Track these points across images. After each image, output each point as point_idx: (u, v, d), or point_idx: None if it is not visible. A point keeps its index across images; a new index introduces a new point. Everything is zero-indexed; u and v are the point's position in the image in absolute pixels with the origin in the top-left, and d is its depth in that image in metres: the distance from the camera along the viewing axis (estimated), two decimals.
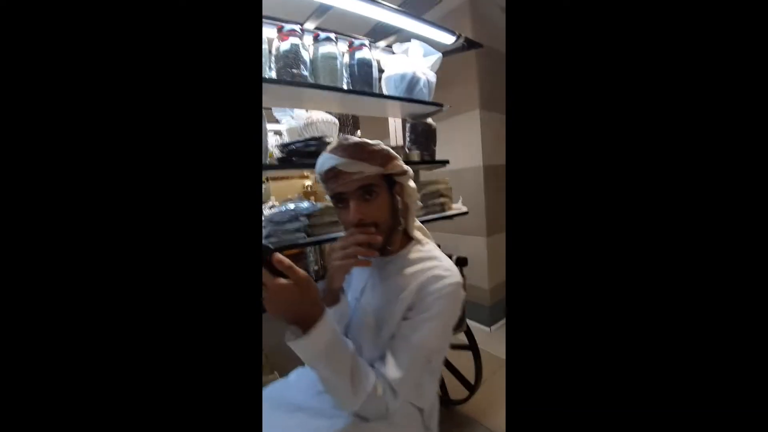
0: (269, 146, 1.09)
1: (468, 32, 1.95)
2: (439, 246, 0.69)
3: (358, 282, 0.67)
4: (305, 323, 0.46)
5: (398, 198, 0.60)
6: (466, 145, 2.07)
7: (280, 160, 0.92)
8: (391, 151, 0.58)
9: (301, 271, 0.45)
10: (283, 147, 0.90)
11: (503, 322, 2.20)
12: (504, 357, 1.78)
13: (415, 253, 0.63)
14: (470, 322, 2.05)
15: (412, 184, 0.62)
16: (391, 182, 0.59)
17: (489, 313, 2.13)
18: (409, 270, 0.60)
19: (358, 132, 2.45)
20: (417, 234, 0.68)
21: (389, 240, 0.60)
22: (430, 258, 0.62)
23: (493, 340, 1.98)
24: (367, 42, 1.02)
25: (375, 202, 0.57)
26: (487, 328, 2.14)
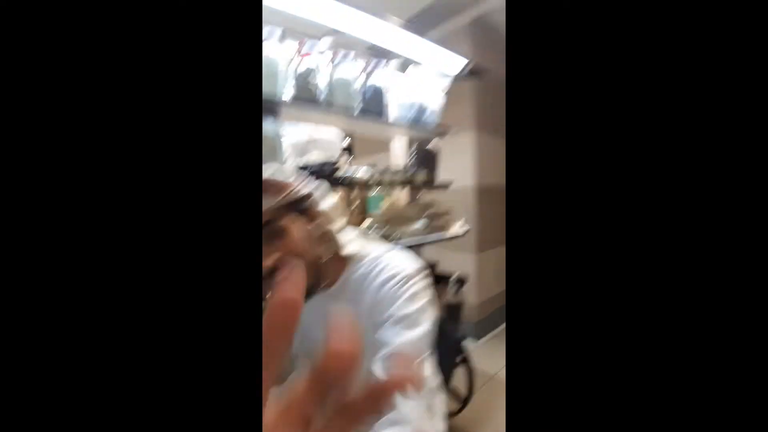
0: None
1: (467, 53, 2.03)
2: (431, 265, 0.70)
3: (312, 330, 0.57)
4: None
5: (314, 225, 0.55)
6: (460, 165, 2.12)
7: None
8: (279, 180, 0.54)
9: None
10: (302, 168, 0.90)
11: (490, 336, 2.25)
12: (491, 371, 1.83)
13: (356, 271, 0.59)
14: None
15: (325, 204, 0.58)
16: (303, 210, 0.54)
17: (476, 329, 2.18)
18: (356, 289, 0.57)
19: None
20: (355, 248, 0.61)
21: (320, 274, 0.56)
22: (376, 264, 0.58)
23: (480, 354, 2.03)
24: (380, 64, 1.04)
25: (285, 241, 0.52)
26: (473, 342, 2.18)
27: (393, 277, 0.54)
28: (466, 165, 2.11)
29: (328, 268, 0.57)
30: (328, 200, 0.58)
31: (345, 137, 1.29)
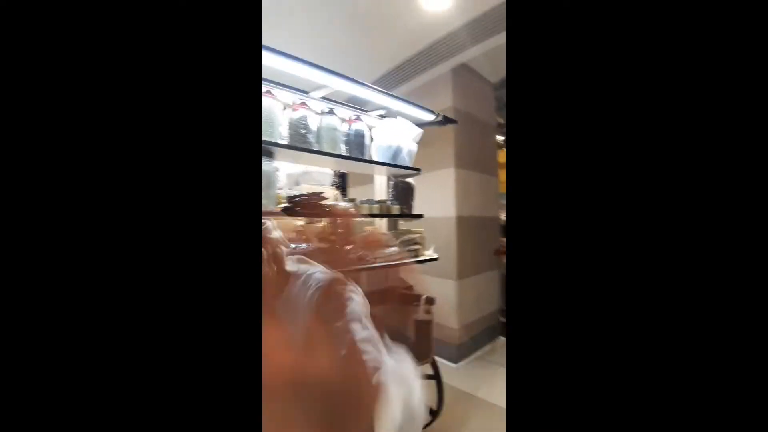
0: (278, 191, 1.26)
1: (449, 99, 2.30)
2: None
3: None
4: None
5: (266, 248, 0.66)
6: (441, 198, 2.32)
7: (285, 209, 1.10)
8: None
9: None
10: (289, 199, 1.08)
11: (469, 359, 2.34)
12: (467, 390, 1.92)
13: (292, 287, 0.67)
14: (437, 359, 2.19)
15: (275, 233, 0.69)
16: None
17: (456, 351, 2.27)
18: (296, 295, 0.67)
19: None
20: (293, 267, 0.71)
21: (270, 285, 0.65)
22: (304, 275, 0.67)
23: (458, 374, 2.12)
24: (361, 116, 1.26)
25: None
26: (453, 364, 2.27)
27: (309, 279, 0.66)
28: (446, 198, 2.31)
29: (275, 281, 0.68)
30: (277, 231, 0.73)
31: (336, 172, 1.48)
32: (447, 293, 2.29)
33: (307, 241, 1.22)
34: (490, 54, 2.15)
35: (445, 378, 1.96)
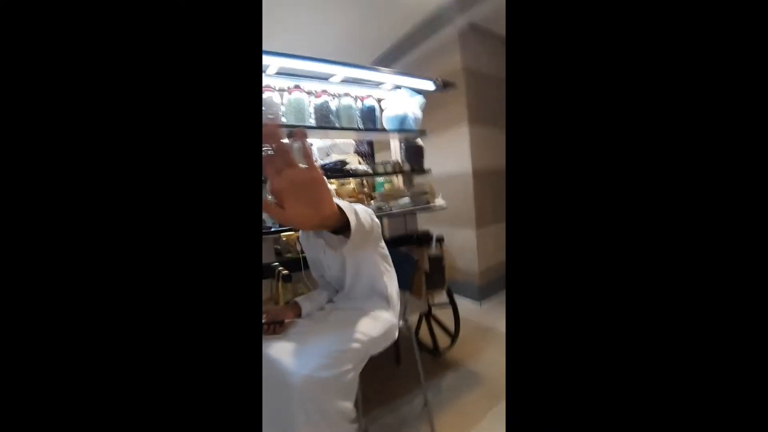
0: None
1: (458, 60, 2.44)
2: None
3: None
4: (326, 212, 0.47)
5: None
6: (457, 154, 2.54)
7: None
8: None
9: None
10: (321, 167, 1.43)
11: (491, 299, 2.65)
12: (489, 325, 2.23)
13: None
14: (462, 299, 2.54)
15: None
16: None
17: (478, 291, 2.60)
18: None
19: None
20: None
21: None
22: None
23: (481, 312, 2.46)
24: (371, 93, 1.54)
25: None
26: (477, 303, 2.61)
27: None
28: (462, 154, 2.52)
29: None
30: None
31: (360, 141, 1.80)
32: (468, 240, 2.58)
33: (339, 198, 1.56)
34: (499, 10, 2.22)
35: (468, 315, 2.34)
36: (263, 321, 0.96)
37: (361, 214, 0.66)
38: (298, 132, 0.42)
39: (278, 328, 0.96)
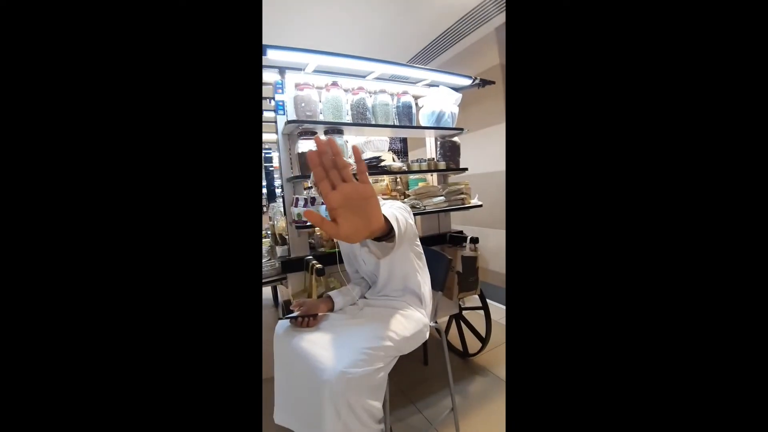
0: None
1: (496, 57, 2.35)
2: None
3: None
4: (376, 227, 0.47)
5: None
6: (493, 153, 2.46)
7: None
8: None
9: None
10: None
11: None
12: None
13: None
14: (494, 303, 2.47)
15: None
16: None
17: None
18: None
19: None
20: None
21: None
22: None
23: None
24: (407, 89, 1.52)
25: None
26: (504, 306, 2.51)
27: None
28: (498, 153, 2.44)
29: None
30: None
31: (396, 139, 1.79)
32: (498, 242, 2.50)
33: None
34: None
35: (501, 319, 2.25)
36: (297, 314, 0.98)
37: (400, 218, 0.67)
38: (355, 148, 0.42)
39: (311, 321, 0.98)
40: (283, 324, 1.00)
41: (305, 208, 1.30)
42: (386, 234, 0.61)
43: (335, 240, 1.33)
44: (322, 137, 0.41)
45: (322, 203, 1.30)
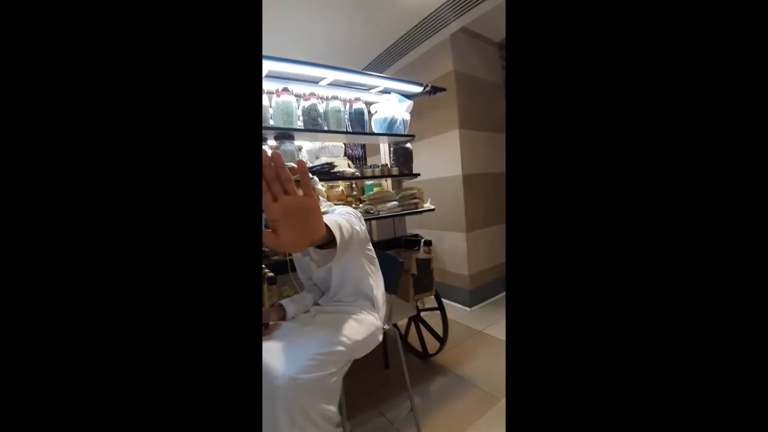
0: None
1: (450, 64, 2.46)
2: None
3: None
4: (317, 237, 0.48)
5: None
6: (449, 159, 2.56)
7: None
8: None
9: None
10: (308, 169, 1.42)
11: (481, 304, 2.65)
12: (479, 328, 2.22)
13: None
14: (453, 303, 2.54)
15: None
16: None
17: (469, 296, 2.60)
18: None
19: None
20: (324, 207, 0.93)
21: None
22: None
23: (472, 317, 2.46)
24: (360, 96, 1.54)
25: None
26: (467, 308, 2.61)
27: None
28: (453, 158, 2.54)
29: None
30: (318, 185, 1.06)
31: (354, 144, 1.80)
32: (458, 245, 2.59)
33: (329, 201, 1.56)
34: (490, 15, 2.25)
35: (459, 319, 2.34)
36: None
37: (344, 225, 0.68)
38: (300, 162, 0.43)
39: (263, 330, 0.95)
40: None
41: None
42: (329, 241, 0.63)
43: None
44: (267, 149, 0.41)
45: None
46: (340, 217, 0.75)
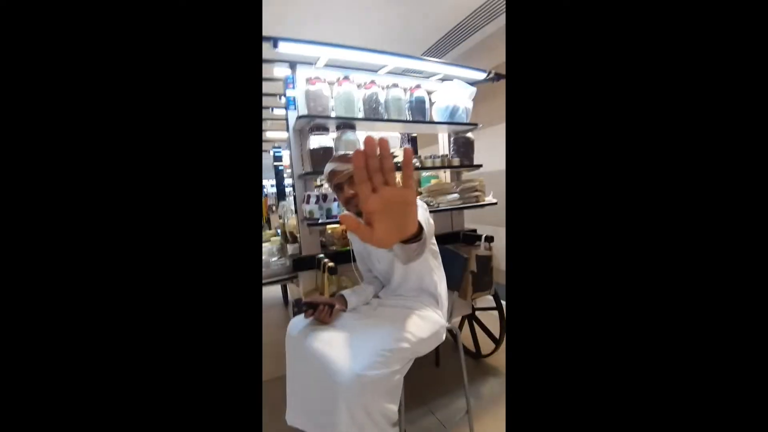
0: None
1: (501, 54, 2.29)
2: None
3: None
4: (410, 232, 0.45)
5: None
6: (501, 151, 2.40)
7: None
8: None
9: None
10: None
11: None
12: None
13: None
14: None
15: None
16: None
17: None
18: None
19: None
20: None
21: None
22: None
23: None
24: (423, 82, 1.48)
25: None
26: None
27: None
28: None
29: None
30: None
31: (407, 136, 1.75)
32: None
33: None
34: None
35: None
36: (316, 300, 0.95)
37: (423, 221, 0.64)
38: (407, 150, 0.39)
39: (329, 314, 0.95)
40: (296, 324, 0.98)
41: (317, 205, 1.27)
42: (414, 237, 0.60)
43: (348, 238, 1.31)
44: (374, 136, 0.37)
45: (335, 200, 1.28)
46: (420, 212, 0.71)
